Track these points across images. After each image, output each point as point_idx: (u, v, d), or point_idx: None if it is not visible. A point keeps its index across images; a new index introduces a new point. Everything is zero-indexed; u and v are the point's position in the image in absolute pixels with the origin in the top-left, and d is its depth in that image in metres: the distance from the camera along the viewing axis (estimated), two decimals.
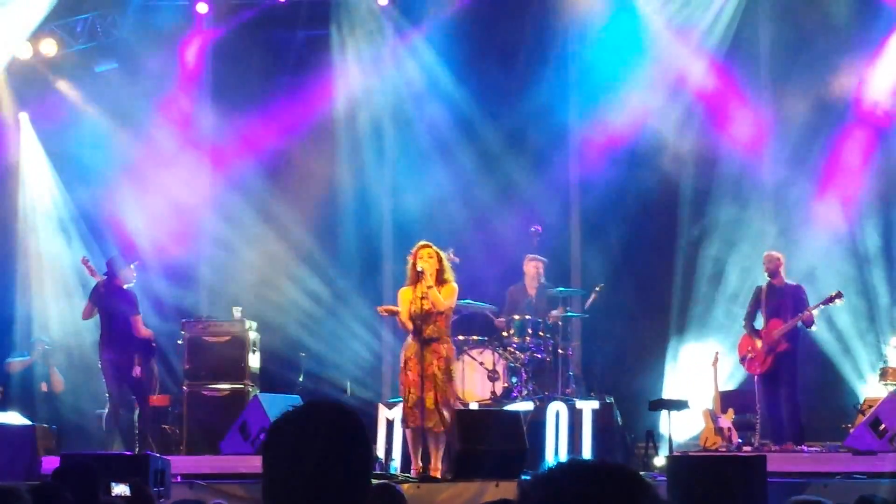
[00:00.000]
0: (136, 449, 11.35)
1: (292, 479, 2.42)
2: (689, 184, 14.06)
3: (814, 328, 11.85)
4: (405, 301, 9.80)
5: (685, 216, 14.02)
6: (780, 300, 11.78)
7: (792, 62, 13.78)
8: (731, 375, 12.95)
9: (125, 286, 11.95)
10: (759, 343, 11.76)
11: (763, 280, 12.09)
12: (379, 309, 10.48)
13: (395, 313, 9.97)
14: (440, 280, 9.71)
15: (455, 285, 9.83)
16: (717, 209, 13.88)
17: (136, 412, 11.90)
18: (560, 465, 2.02)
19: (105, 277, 11.99)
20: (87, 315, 12.07)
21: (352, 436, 2.48)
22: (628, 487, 1.96)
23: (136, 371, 11.78)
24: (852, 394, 12.99)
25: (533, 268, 12.97)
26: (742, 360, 11.98)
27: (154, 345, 12.18)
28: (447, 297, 9.72)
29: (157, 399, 12.25)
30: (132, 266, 12.12)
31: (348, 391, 13.58)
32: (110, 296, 11.83)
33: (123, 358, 11.71)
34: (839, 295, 11.67)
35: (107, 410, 11.83)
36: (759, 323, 12.04)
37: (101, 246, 14.10)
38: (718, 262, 13.73)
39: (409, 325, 9.74)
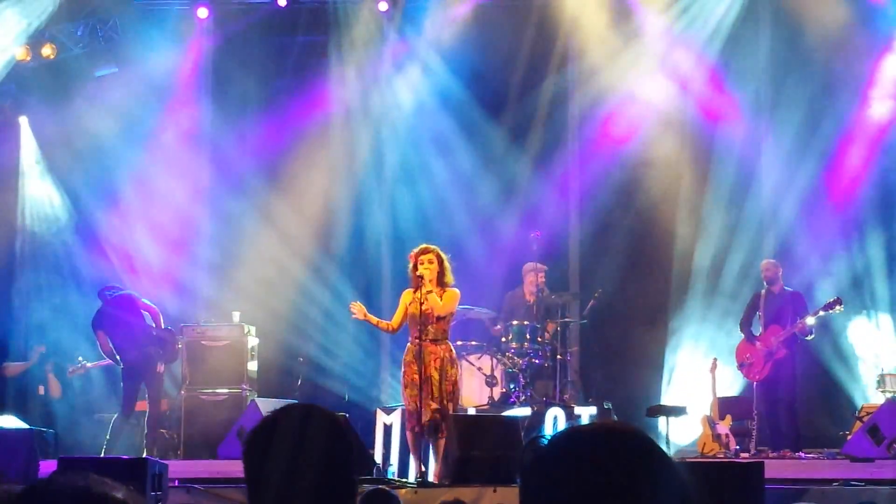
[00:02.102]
0: (145, 451, 11.36)
1: (273, 483, 2.42)
2: (689, 190, 14.07)
3: (810, 337, 11.83)
4: (403, 304, 9.82)
5: (684, 223, 14.03)
6: (780, 307, 11.78)
7: (791, 69, 13.80)
8: (730, 382, 12.96)
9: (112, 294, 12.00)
10: (757, 349, 11.74)
11: (761, 287, 12.09)
12: (353, 308, 9.90)
13: (366, 318, 9.86)
14: (441, 283, 9.71)
15: (457, 291, 9.83)
16: (715, 216, 13.89)
17: (146, 414, 11.86)
18: (561, 433, 1.99)
19: (101, 304, 11.98)
20: (106, 348, 11.81)
21: (330, 436, 2.49)
22: (632, 447, 1.92)
23: (160, 368, 11.80)
24: (850, 401, 12.99)
25: (535, 277, 12.94)
26: (740, 366, 11.98)
27: (176, 347, 12.12)
28: (448, 302, 9.72)
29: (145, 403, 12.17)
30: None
31: (346, 397, 13.58)
32: (112, 307, 11.83)
33: (143, 355, 11.70)
34: (839, 301, 11.65)
35: (117, 415, 11.80)
36: (756, 329, 12.03)
37: (99, 251, 14.11)
38: (717, 269, 13.74)
39: (389, 328, 9.82)
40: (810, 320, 11.61)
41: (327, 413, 2.55)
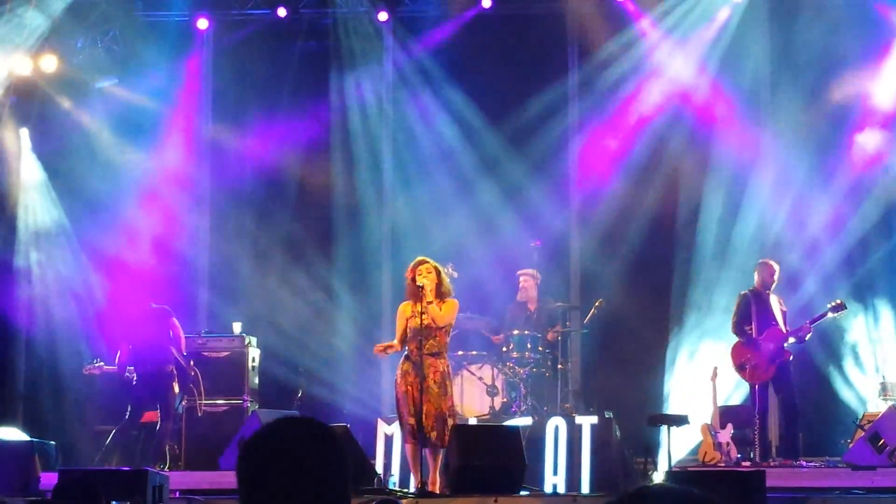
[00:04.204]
0: (165, 464, 11.32)
1: (266, 497, 2.43)
2: (689, 197, 14.07)
3: (805, 340, 11.78)
4: (403, 318, 9.79)
5: (685, 230, 14.03)
6: (771, 310, 11.71)
7: (791, 73, 13.80)
8: (731, 390, 12.94)
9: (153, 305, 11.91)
10: (760, 351, 11.63)
11: (748, 288, 11.98)
12: (376, 350, 10.02)
13: (390, 347, 9.88)
14: (439, 294, 9.71)
15: (456, 301, 9.83)
16: (717, 223, 13.88)
17: (157, 427, 11.76)
18: (649, 488, 1.98)
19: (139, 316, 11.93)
20: (124, 356, 11.65)
21: (324, 450, 2.49)
22: None
23: (175, 388, 11.71)
24: (851, 409, 12.98)
25: (523, 282, 12.97)
26: (740, 368, 11.81)
27: (193, 372, 12.01)
28: (448, 313, 9.72)
29: (153, 415, 12.08)
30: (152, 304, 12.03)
31: (347, 408, 13.57)
32: (142, 317, 11.75)
33: (160, 373, 11.62)
34: (843, 305, 11.59)
35: (117, 428, 11.74)
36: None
37: (101, 260, 14.12)
38: (718, 276, 13.73)
39: (399, 348, 9.78)
40: (810, 327, 11.55)
41: (321, 425, 2.55)
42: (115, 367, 11.83)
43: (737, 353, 11.77)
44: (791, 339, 11.55)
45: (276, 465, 2.44)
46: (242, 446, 2.52)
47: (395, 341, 9.83)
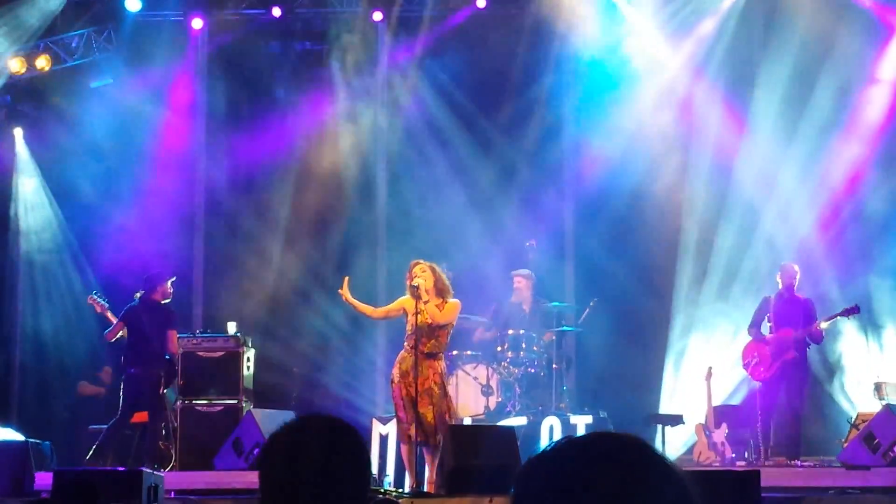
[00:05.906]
0: (158, 464, 11.30)
1: (288, 495, 2.42)
2: (686, 198, 14.07)
3: (820, 342, 11.80)
4: (401, 304, 9.82)
5: (681, 231, 14.03)
6: (792, 311, 11.72)
7: (788, 78, 13.81)
8: (726, 390, 12.95)
9: (163, 301, 11.82)
10: (766, 349, 11.68)
11: (770, 291, 12.03)
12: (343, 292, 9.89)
13: (351, 303, 9.82)
14: (439, 292, 9.74)
15: (457, 301, 9.86)
16: (713, 225, 13.88)
17: (146, 427, 11.73)
18: (555, 442, 1.90)
19: (142, 293, 11.83)
20: (113, 334, 11.68)
21: (348, 449, 2.48)
22: (629, 455, 1.82)
23: (163, 390, 11.68)
24: (845, 408, 12.99)
25: (517, 282, 12.99)
26: (746, 365, 11.86)
27: (177, 368, 11.98)
28: (449, 312, 9.73)
29: (143, 415, 12.01)
30: (169, 283, 11.94)
31: (341, 407, 13.57)
32: (146, 311, 11.68)
33: (150, 374, 11.58)
34: (857, 309, 11.61)
35: (108, 426, 11.69)
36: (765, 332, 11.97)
37: (97, 260, 14.11)
38: (714, 277, 13.73)
39: (370, 310, 9.87)
40: (825, 324, 11.58)
41: (344, 423, 2.54)
42: (114, 320, 11.75)
43: (746, 351, 11.89)
44: (792, 337, 11.56)
45: (299, 462, 2.43)
46: (266, 443, 2.50)
47: (375, 308, 9.87)
